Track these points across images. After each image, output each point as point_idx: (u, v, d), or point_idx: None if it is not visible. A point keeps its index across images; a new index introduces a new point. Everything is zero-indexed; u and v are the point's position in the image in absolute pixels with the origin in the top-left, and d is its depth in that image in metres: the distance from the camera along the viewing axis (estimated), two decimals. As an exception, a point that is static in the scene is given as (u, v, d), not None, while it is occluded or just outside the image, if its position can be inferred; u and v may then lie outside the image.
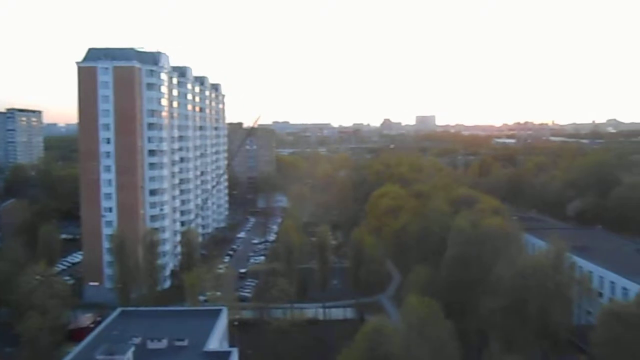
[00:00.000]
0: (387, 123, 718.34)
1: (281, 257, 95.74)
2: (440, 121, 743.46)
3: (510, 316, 57.45)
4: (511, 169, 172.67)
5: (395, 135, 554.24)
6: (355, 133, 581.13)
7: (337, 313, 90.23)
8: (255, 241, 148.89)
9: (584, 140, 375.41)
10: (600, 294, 68.06)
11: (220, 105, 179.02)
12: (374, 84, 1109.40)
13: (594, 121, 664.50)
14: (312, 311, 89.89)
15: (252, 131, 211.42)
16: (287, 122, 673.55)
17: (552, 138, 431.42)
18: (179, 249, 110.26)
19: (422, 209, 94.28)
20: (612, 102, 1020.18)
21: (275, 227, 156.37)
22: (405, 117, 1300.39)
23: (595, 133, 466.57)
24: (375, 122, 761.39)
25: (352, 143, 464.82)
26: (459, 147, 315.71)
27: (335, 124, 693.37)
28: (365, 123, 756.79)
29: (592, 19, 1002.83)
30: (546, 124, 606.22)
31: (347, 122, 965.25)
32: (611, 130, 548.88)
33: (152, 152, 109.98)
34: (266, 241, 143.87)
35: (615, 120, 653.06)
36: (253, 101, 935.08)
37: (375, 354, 48.83)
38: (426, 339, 48.26)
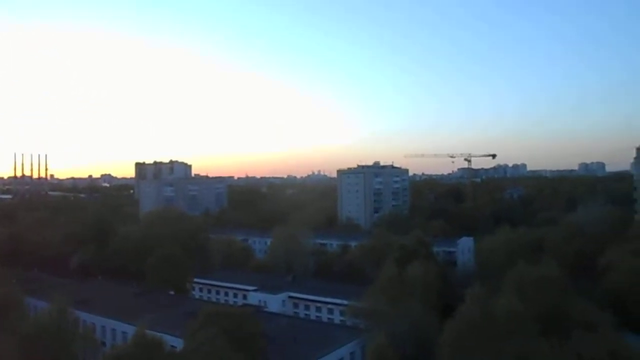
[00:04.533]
0: None
1: None
2: None
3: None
4: (10, 227, 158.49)
5: None
6: None
7: None
8: None
9: (82, 195, 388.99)
10: (104, 343, 71.99)
11: None
12: None
13: (90, 176, 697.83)
14: None
15: None
16: None
17: (52, 193, 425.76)
18: None
19: None
20: (106, 160, 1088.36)
21: None
22: None
23: (92, 187, 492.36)
24: None
25: None
26: None
27: None
28: None
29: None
30: (45, 179, 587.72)
31: None
32: (106, 184, 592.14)
33: None
34: None
35: (109, 175, 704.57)
36: None
37: None
38: None
